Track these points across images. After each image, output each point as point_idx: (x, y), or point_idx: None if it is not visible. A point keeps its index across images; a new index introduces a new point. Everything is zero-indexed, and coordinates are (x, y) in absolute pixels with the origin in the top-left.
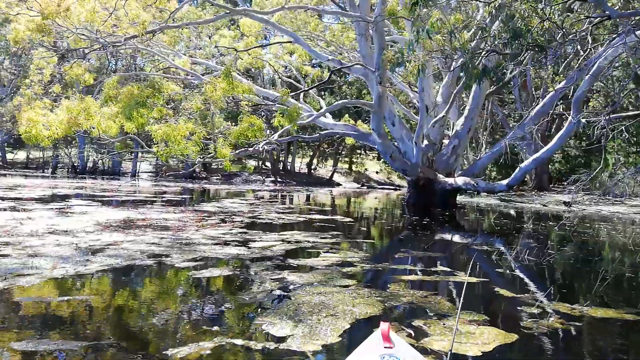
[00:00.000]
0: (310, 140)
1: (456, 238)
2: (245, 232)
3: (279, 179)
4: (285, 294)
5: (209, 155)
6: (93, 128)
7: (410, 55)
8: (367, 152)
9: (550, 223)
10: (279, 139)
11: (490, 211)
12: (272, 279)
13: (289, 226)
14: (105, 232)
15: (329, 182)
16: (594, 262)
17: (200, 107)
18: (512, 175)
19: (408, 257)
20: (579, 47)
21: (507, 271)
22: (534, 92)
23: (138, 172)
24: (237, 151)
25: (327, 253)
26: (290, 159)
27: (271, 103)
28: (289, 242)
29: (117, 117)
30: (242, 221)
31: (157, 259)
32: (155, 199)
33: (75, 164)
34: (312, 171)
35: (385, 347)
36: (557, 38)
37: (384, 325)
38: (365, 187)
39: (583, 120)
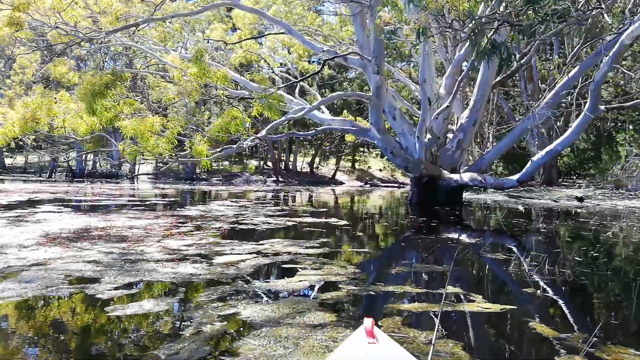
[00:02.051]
0: (306, 136)
1: (465, 241)
2: (217, 242)
3: (280, 179)
4: (228, 344)
5: (182, 153)
6: (55, 127)
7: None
8: (370, 149)
9: (571, 222)
10: (271, 135)
11: (498, 208)
12: (219, 316)
13: (272, 233)
14: (46, 246)
15: (332, 181)
16: (633, 273)
17: (172, 99)
18: (523, 170)
19: (409, 272)
20: (605, 15)
21: (535, 291)
22: (540, 85)
23: (137, 175)
24: (219, 149)
25: (307, 270)
26: (292, 158)
27: (249, 96)
28: (264, 254)
29: (85, 113)
30: (219, 228)
31: (81, 285)
32: (139, 202)
33: (72, 168)
34: (314, 170)
35: (369, 343)
36: (580, 7)
37: (367, 321)
38: (368, 186)
39: (602, 108)
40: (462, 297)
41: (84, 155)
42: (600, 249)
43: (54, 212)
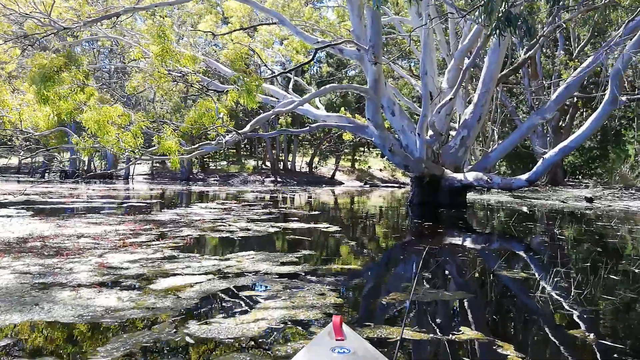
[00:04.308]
0: (300, 133)
1: (473, 250)
2: (171, 257)
3: (278, 179)
4: None
5: (148, 150)
6: (10, 121)
7: None
8: (370, 149)
9: (589, 227)
10: (256, 133)
11: (504, 210)
12: None
13: (246, 243)
14: None
15: (331, 181)
16: None
17: (135, 87)
18: (534, 169)
19: (407, 300)
20: None
21: (584, 335)
22: (544, 81)
23: (133, 175)
24: (196, 146)
25: (271, 300)
26: (290, 158)
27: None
28: (224, 274)
29: (36, 101)
30: (187, 236)
31: None
32: (114, 204)
33: (65, 168)
34: (313, 170)
35: (336, 340)
36: None
37: (335, 318)
38: (368, 186)
39: (623, 99)
40: (485, 347)
41: (77, 155)
42: (634, 258)
43: (8, 216)
